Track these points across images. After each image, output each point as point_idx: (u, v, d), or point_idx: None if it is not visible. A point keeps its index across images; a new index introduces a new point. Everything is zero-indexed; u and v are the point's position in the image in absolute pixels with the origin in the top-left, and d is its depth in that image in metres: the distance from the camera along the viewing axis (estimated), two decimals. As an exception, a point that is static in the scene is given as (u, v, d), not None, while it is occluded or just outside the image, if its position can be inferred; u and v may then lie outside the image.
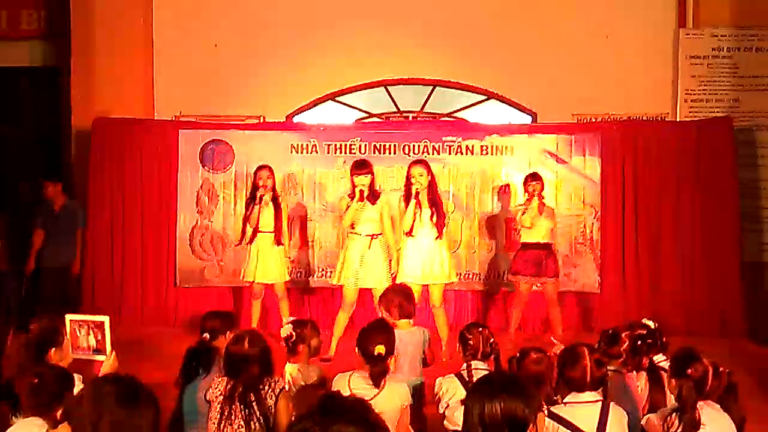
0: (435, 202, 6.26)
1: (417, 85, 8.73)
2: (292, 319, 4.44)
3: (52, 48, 8.92)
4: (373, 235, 6.26)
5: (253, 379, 3.48)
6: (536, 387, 3.35)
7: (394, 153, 7.57)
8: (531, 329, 7.30)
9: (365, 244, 6.24)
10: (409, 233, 6.24)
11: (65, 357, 3.60)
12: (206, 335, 4.25)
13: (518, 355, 3.70)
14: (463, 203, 7.57)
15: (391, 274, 6.28)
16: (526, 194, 6.68)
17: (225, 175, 7.69)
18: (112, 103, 8.22)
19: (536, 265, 6.59)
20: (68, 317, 3.65)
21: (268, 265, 6.60)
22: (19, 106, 9.06)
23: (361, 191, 6.21)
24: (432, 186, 6.30)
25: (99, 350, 3.59)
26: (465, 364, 3.99)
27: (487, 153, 7.59)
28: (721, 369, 3.38)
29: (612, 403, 3.31)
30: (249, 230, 6.67)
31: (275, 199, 6.67)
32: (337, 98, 8.77)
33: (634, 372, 4.02)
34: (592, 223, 7.45)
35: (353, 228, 6.29)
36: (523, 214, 6.59)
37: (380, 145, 7.61)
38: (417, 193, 6.17)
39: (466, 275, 7.49)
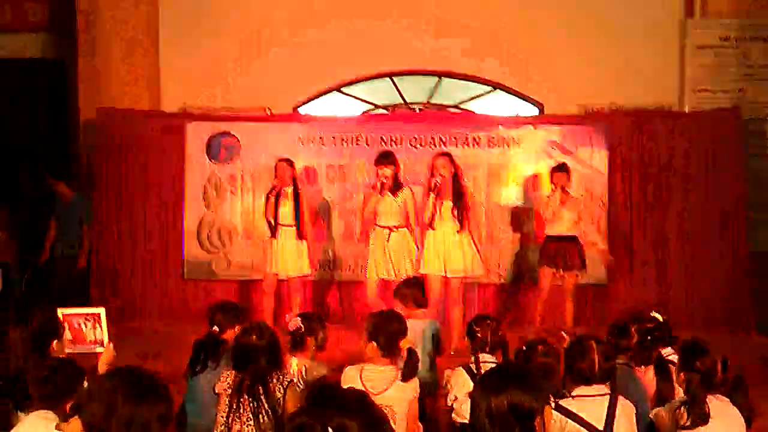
0: (459, 195, 6.21)
1: (424, 76, 8.70)
2: (295, 314, 4.45)
3: (59, 40, 8.91)
4: (393, 227, 6.26)
5: (262, 372, 3.48)
6: (544, 380, 3.36)
7: (401, 144, 7.55)
8: (552, 323, 7.26)
9: (384, 237, 6.24)
10: (430, 226, 6.23)
11: (64, 349, 3.62)
12: (215, 328, 4.27)
13: (525, 347, 3.70)
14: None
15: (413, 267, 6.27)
16: (552, 185, 6.71)
17: (232, 168, 7.69)
18: (119, 96, 8.22)
19: (560, 258, 6.62)
20: (60, 311, 3.66)
21: (287, 258, 6.57)
22: (25, 99, 9.05)
23: (383, 183, 6.20)
24: (457, 178, 6.27)
25: (97, 342, 3.61)
26: (473, 357, 3.99)
27: (493, 144, 7.57)
28: (729, 362, 3.38)
29: (620, 397, 3.30)
30: (265, 223, 6.64)
31: (296, 193, 6.63)
32: (343, 90, 8.76)
33: (643, 365, 4.02)
34: (600, 215, 7.42)
35: (376, 221, 6.30)
36: (547, 207, 6.63)
37: (387, 136, 7.59)
38: (436, 186, 6.17)
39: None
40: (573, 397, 3.27)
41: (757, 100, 8.16)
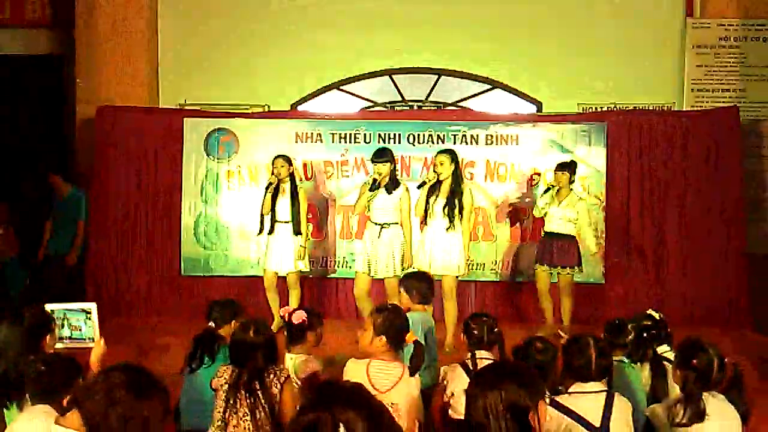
0: (455, 193, 6.21)
1: (422, 74, 8.70)
2: (292, 308, 4.43)
3: (57, 36, 8.91)
4: (384, 224, 6.27)
5: (258, 368, 3.48)
6: (541, 376, 3.37)
7: (399, 142, 7.55)
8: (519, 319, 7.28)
9: (376, 233, 6.25)
10: (423, 222, 6.26)
11: (54, 344, 3.62)
12: (212, 324, 4.27)
13: (523, 344, 3.71)
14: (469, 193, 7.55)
15: (404, 266, 6.29)
16: (553, 183, 6.78)
17: (230, 164, 7.69)
18: (117, 92, 8.22)
19: (547, 255, 6.66)
20: (48, 306, 3.67)
21: (283, 254, 6.59)
22: (23, 95, 9.05)
23: (375, 179, 6.21)
24: (456, 176, 6.27)
25: (88, 338, 3.62)
26: (469, 354, 4.00)
27: (492, 143, 7.57)
28: (726, 360, 3.38)
29: (617, 394, 3.31)
30: (266, 220, 6.65)
31: (293, 189, 6.63)
32: (342, 87, 8.76)
33: (638, 362, 4.03)
34: (597, 214, 7.43)
35: (369, 216, 6.33)
36: (541, 205, 6.69)
37: (385, 134, 7.59)
38: (427, 182, 6.22)
39: (478, 266, 7.47)
40: (570, 393, 3.28)
41: (756, 100, 8.18)
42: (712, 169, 7.49)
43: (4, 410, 3.27)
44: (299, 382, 3.85)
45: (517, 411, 2.17)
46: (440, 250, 6.19)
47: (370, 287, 6.44)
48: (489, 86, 8.69)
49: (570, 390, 3.30)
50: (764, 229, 7.93)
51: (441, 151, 6.39)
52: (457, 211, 6.16)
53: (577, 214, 6.66)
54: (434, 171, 6.28)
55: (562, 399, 3.25)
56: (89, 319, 3.63)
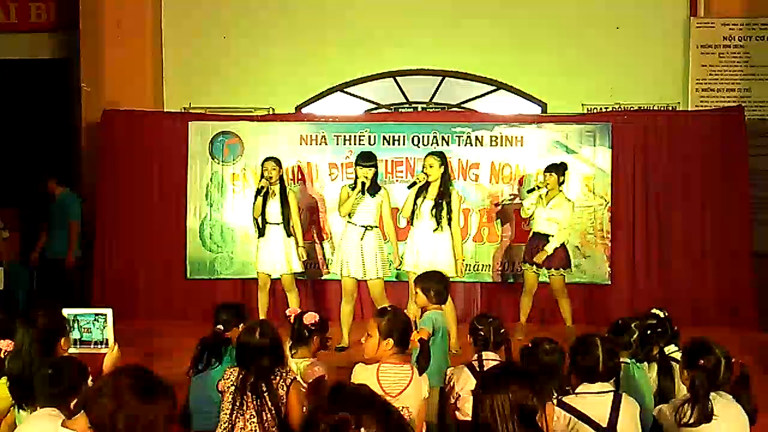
0: (443, 195, 6.23)
1: (426, 75, 8.71)
2: (299, 310, 4.44)
3: (61, 40, 8.95)
4: (368, 226, 6.29)
5: (265, 370, 3.48)
6: (548, 377, 3.37)
7: (404, 144, 7.56)
8: (539, 320, 7.25)
9: (359, 235, 6.27)
10: (409, 223, 6.32)
11: (68, 347, 3.63)
12: (219, 326, 4.28)
13: (531, 345, 3.70)
14: (472, 194, 7.55)
15: (388, 268, 6.37)
16: (540, 184, 6.75)
17: (235, 167, 7.70)
18: (122, 95, 8.24)
19: (528, 255, 6.68)
20: (65, 311, 3.67)
21: (275, 256, 6.61)
22: (28, 99, 9.08)
23: (363, 183, 6.23)
24: (444, 178, 6.29)
25: (102, 342, 3.61)
26: (476, 355, 4.00)
27: (496, 144, 7.57)
28: (733, 360, 3.37)
29: (624, 394, 3.31)
30: (257, 222, 6.67)
31: (283, 191, 6.66)
32: (346, 89, 8.76)
33: (645, 362, 4.02)
34: (603, 214, 7.42)
35: (350, 217, 6.33)
36: (527, 205, 6.69)
37: (389, 136, 7.59)
38: (415, 183, 6.27)
39: (476, 267, 7.47)
40: (577, 394, 3.27)
41: (761, 99, 8.16)
42: (718, 168, 7.47)
43: (21, 411, 3.28)
44: (305, 387, 3.84)
45: (525, 412, 2.17)
46: (428, 250, 6.20)
47: (355, 288, 6.42)
48: (493, 87, 8.69)
49: (577, 390, 3.29)
50: (770, 228, 7.93)
51: (431, 153, 6.39)
52: (444, 212, 6.18)
53: (562, 216, 6.65)
54: (423, 172, 6.29)
55: (569, 399, 3.24)
56: (103, 324, 3.63)
